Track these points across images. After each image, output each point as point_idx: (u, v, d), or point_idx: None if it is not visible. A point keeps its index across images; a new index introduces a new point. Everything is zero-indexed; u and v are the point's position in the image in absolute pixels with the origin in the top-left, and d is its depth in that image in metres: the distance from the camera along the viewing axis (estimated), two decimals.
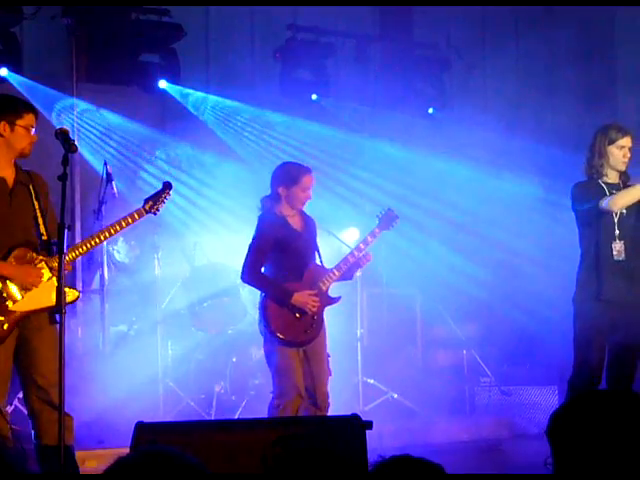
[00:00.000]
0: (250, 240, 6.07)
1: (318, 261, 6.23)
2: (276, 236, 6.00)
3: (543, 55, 10.30)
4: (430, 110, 10.69)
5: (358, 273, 6.52)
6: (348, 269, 6.22)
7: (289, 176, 6.08)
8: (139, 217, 5.35)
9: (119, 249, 8.17)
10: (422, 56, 10.69)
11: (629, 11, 10.62)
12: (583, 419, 2.38)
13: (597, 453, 2.32)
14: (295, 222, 6.13)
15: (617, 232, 6.06)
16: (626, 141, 6.12)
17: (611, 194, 6.01)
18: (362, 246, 6.22)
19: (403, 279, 9.07)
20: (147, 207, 5.39)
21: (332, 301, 6.21)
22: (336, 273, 6.13)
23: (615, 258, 6.02)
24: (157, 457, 2.15)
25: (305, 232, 6.15)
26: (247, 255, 6.04)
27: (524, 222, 9.50)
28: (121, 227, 5.28)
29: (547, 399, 8.21)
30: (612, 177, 6.13)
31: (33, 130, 5.15)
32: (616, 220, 6.07)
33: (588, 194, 6.06)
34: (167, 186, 5.51)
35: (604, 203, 5.99)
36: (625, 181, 6.16)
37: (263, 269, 6.07)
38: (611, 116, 10.80)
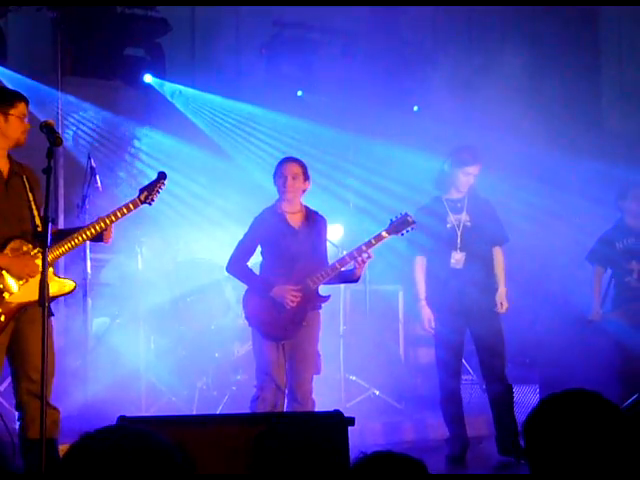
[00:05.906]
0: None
1: (321, 260, 6.15)
2: (267, 232, 6.06)
3: (528, 51, 10.31)
4: (415, 108, 10.70)
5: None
6: (346, 271, 6.06)
7: (274, 173, 6.19)
8: (134, 207, 5.33)
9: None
10: (408, 53, 10.69)
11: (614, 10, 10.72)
12: (556, 419, 2.40)
13: (570, 452, 2.34)
14: (294, 219, 6.14)
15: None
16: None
17: None
18: (364, 248, 5.95)
19: (386, 276, 9.06)
20: (142, 197, 5.36)
21: (320, 300, 6.12)
22: (329, 272, 6.00)
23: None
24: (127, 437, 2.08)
25: (303, 230, 6.12)
26: (235, 248, 6.16)
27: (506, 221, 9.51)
28: (117, 217, 5.26)
29: (528, 398, 8.22)
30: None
31: (26, 119, 5.15)
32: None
33: None
34: (162, 176, 5.49)
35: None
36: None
37: (254, 263, 6.14)
38: (596, 109, 10.89)
